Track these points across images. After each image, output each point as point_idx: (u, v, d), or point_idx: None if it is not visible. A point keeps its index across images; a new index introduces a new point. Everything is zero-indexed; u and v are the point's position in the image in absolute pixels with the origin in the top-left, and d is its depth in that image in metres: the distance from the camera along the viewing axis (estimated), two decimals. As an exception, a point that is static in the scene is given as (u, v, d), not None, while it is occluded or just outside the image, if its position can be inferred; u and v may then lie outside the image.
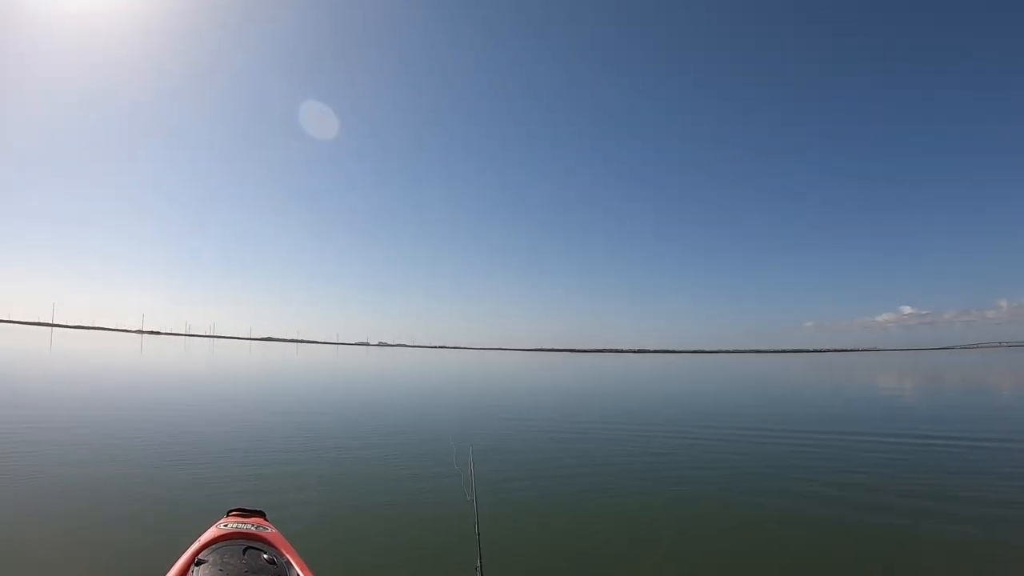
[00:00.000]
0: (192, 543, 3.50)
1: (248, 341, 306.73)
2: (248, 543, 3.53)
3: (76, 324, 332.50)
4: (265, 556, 3.42)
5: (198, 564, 3.25)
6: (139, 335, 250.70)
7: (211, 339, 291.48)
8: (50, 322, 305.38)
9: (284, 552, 3.53)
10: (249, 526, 3.75)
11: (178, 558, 3.33)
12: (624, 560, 6.23)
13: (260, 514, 4.05)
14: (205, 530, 3.67)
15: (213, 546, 3.47)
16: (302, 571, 3.40)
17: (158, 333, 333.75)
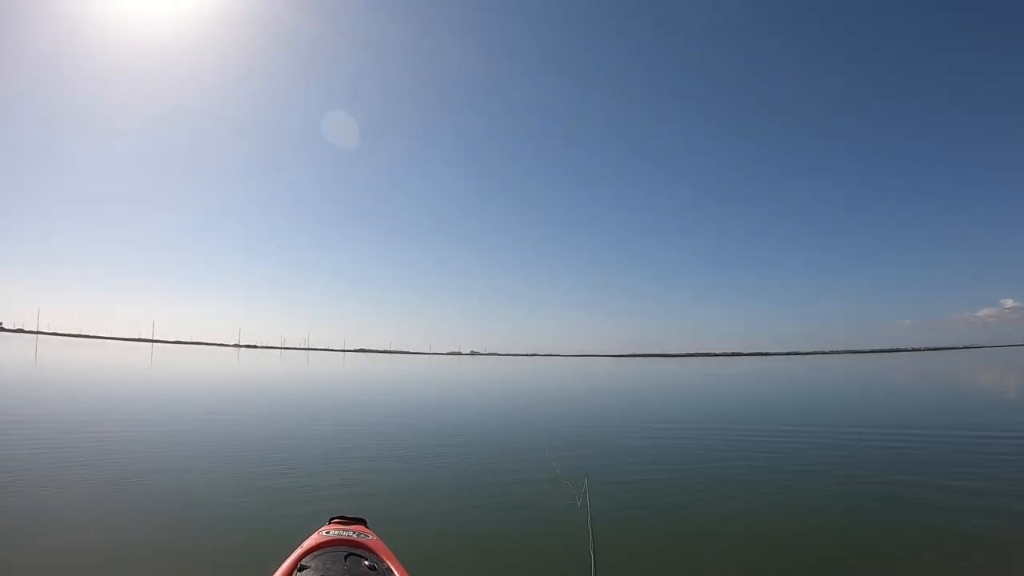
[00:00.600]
0: (295, 550, 3.56)
1: (342, 352, 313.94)
2: (349, 550, 3.57)
3: (175, 339, 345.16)
4: (366, 562, 3.45)
5: (301, 570, 3.31)
6: (236, 348, 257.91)
7: (305, 351, 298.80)
8: (150, 338, 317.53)
9: (385, 559, 3.56)
10: (350, 533, 3.79)
11: (281, 564, 3.40)
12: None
13: (361, 521, 4.03)
14: (307, 537, 3.74)
15: (315, 552, 3.52)
16: None
17: (254, 346, 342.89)
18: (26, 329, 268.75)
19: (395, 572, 3.41)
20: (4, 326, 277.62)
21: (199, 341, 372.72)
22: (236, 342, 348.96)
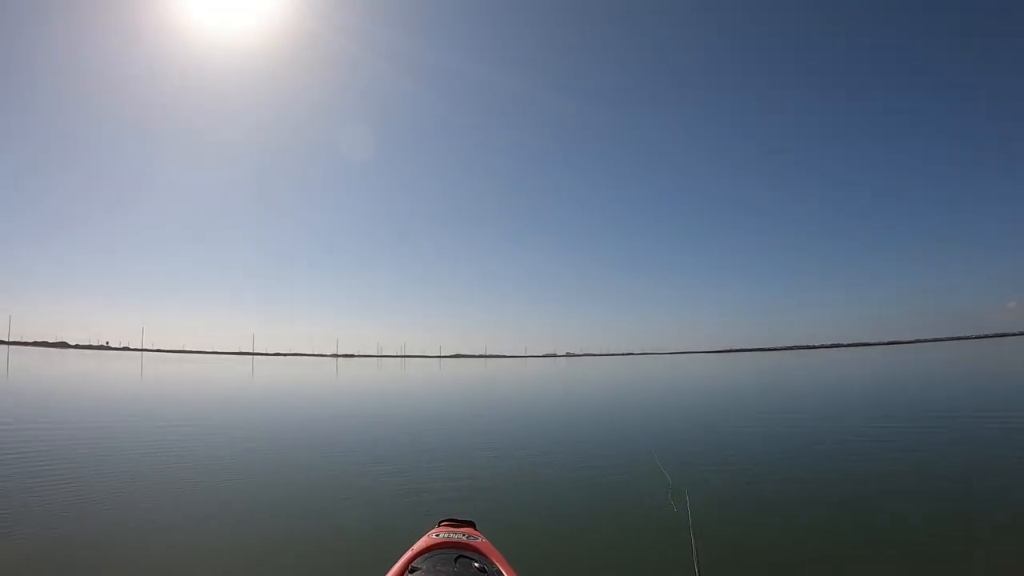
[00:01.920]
0: (406, 551, 3.67)
1: (438, 359, 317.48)
2: (459, 552, 3.64)
3: (275, 352, 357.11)
4: (476, 564, 3.50)
5: (412, 572, 3.40)
6: (334, 359, 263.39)
7: (402, 359, 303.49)
8: (251, 351, 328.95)
9: (494, 560, 3.61)
10: (460, 535, 3.86)
11: (393, 565, 3.52)
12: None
13: (470, 524, 4.12)
14: (418, 539, 3.84)
15: (426, 554, 3.61)
16: None
17: (352, 356, 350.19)
18: (131, 347, 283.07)
19: (504, 574, 3.44)
20: (110, 344, 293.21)
21: (298, 352, 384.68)
22: (335, 352, 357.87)
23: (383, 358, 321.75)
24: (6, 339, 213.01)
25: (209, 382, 45.33)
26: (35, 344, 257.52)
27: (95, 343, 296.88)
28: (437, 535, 3.74)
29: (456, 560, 3.40)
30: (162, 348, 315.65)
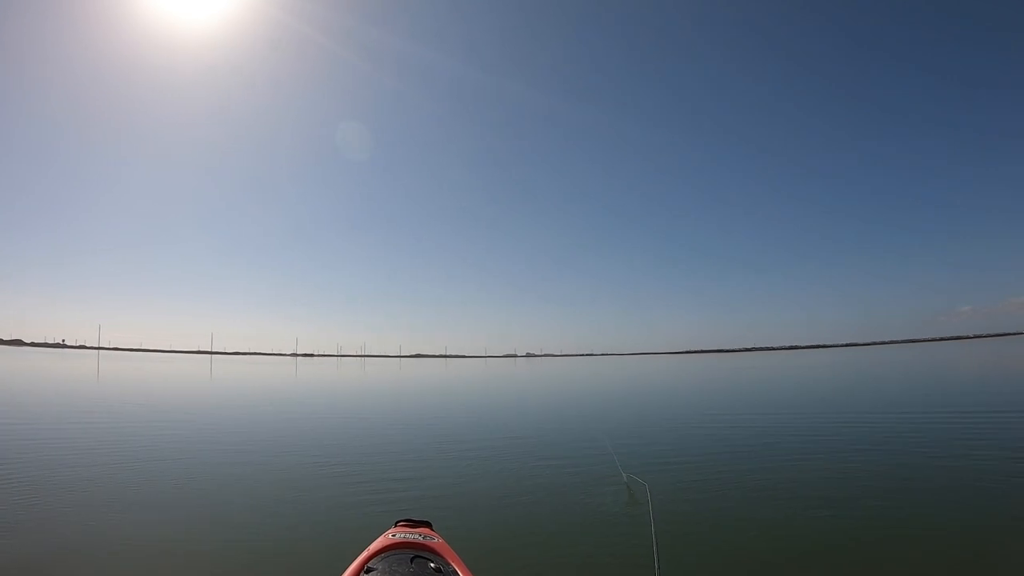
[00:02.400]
0: (362, 552, 3.55)
1: (398, 359, 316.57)
2: (416, 552, 3.55)
3: (234, 350, 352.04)
4: (432, 565, 3.42)
5: (367, 572, 3.31)
6: (293, 358, 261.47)
7: (362, 358, 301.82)
8: (210, 349, 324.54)
9: (450, 561, 3.52)
10: (416, 536, 3.75)
11: (348, 566, 3.40)
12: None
13: (427, 524, 3.96)
14: (374, 540, 3.71)
15: (382, 555, 3.50)
16: None
17: (311, 355, 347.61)
18: (88, 345, 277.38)
19: (460, 574, 3.37)
20: (67, 343, 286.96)
21: (258, 352, 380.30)
22: (294, 351, 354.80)
23: (343, 358, 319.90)
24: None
25: (165, 381, 44.83)
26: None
27: (51, 341, 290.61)
28: (393, 535, 3.69)
29: (412, 560, 3.37)
30: (119, 346, 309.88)
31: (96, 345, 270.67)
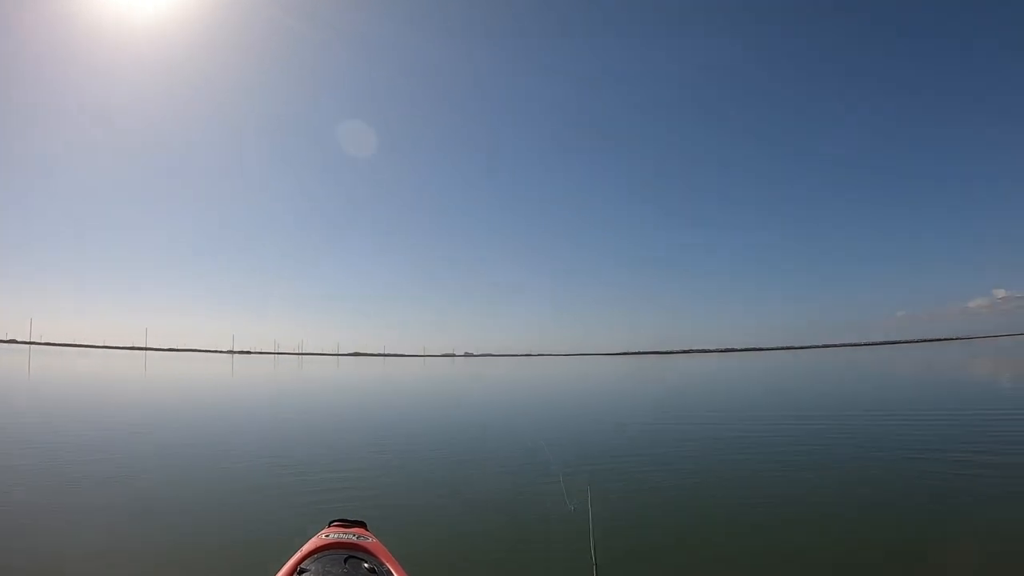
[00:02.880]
0: (295, 553, 3.54)
1: (335, 357, 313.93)
2: (349, 553, 3.54)
3: (168, 347, 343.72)
4: (366, 565, 3.42)
5: (301, 573, 3.31)
6: (230, 355, 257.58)
7: (299, 356, 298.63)
8: (143, 346, 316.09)
9: (384, 561, 3.53)
10: (350, 536, 3.74)
11: (281, 567, 3.39)
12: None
13: (361, 524, 3.96)
14: (307, 540, 3.69)
15: (315, 556, 3.49)
16: None
17: (248, 352, 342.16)
18: (19, 340, 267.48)
19: (395, 574, 3.41)
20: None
21: (193, 348, 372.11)
22: (230, 348, 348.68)
23: (280, 355, 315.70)
24: None
25: (99, 378, 44.29)
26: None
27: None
28: (327, 536, 3.68)
29: (346, 561, 3.37)
30: (52, 341, 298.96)
31: (27, 340, 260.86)
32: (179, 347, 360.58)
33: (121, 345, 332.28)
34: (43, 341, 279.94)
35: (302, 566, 3.30)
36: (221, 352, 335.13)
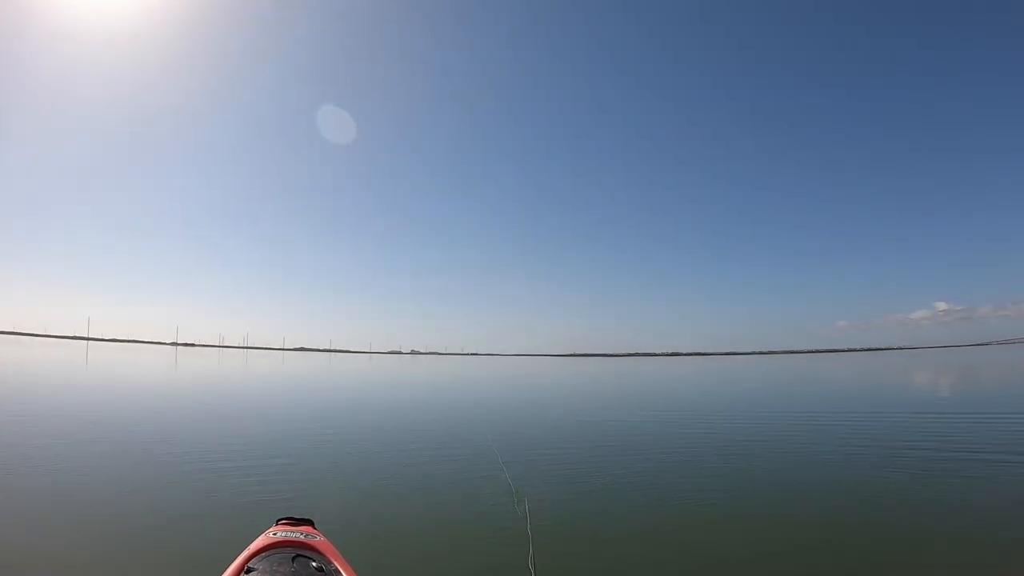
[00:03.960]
0: (242, 552, 3.54)
1: (281, 352, 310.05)
2: (297, 551, 3.56)
3: (111, 337, 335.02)
4: (314, 564, 3.45)
5: (248, 572, 3.29)
6: (173, 347, 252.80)
7: (245, 350, 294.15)
8: (86, 335, 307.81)
9: (332, 560, 3.56)
10: (298, 534, 3.77)
11: (228, 567, 3.37)
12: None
13: (308, 522, 4.03)
14: (254, 539, 3.72)
15: (263, 554, 3.50)
16: None
17: (192, 345, 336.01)
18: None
19: (343, 573, 3.43)
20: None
21: (135, 339, 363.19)
22: (173, 340, 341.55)
23: (225, 349, 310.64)
24: None
25: (37, 368, 43.42)
26: None
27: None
28: (274, 534, 3.69)
29: (294, 560, 3.36)
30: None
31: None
32: (121, 338, 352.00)
33: (62, 334, 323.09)
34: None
35: (249, 565, 3.35)
36: (164, 344, 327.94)
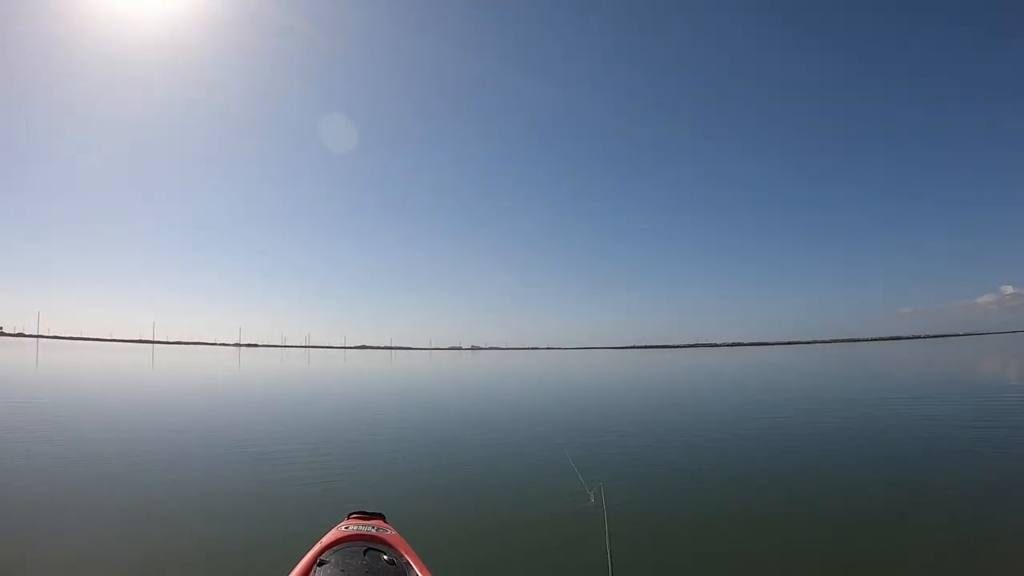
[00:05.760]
0: (314, 544, 3.62)
1: (343, 350, 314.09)
2: (368, 544, 3.62)
3: (176, 340, 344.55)
4: (385, 557, 3.50)
5: (320, 565, 3.36)
6: (237, 348, 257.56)
7: (306, 349, 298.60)
8: (151, 339, 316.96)
9: (404, 553, 3.60)
10: (369, 528, 3.85)
11: (301, 559, 3.46)
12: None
13: (380, 516, 4.11)
14: (327, 532, 3.80)
15: (335, 547, 3.58)
16: (421, 572, 3.48)
17: (255, 345, 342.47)
18: (27, 333, 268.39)
19: (414, 566, 3.41)
20: (4, 330, 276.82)
21: (200, 341, 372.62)
22: (237, 341, 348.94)
23: (287, 348, 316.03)
24: None
25: (107, 370, 44.13)
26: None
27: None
28: (346, 528, 3.74)
29: (365, 553, 3.40)
30: (58, 335, 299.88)
31: (35, 333, 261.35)
32: (186, 340, 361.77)
33: (128, 338, 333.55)
34: (51, 335, 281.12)
35: (322, 558, 3.39)
36: (228, 345, 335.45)
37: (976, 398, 20.57)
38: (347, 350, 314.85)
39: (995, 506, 7.79)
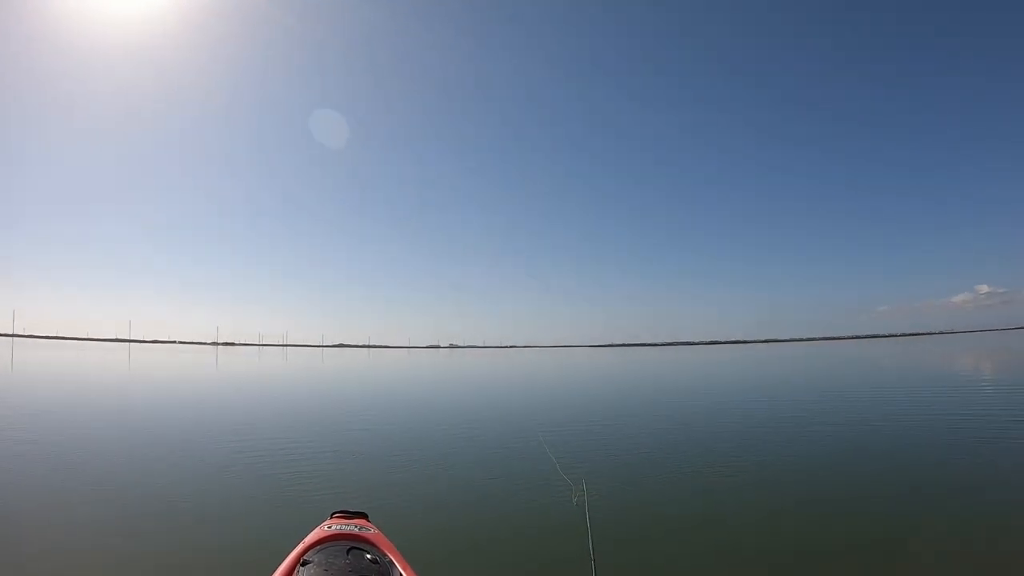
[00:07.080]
0: (297, 544, 3.61)
1: (321, 348, 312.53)
2: (352, 544, 3.62)
3: (153, 339, 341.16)
4: (368, 556, 3.49)
5: (303, 564, 3.36)
6: (214, 347, 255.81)
7: (284, 347, 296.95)
8: (127, 338, 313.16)
9: (387, 552, 3.60)
10: (352, 527, 3.85)
11: (284, 559, 3.45)
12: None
13: (363, 515, 4.10)
14: (310, 532, 3.79)
15: (318, 547, 3.57)
16: (404, 571, 3.47)
17: (232, 344, 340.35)
18: (1, 332, 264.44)
19: (397, 565, 3.45)
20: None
21: (177, 340, 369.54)
22: (214, 340, 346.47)
23: (264, 347, 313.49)
24: None
25: (84, 370, 43.71)
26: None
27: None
28: (329, 527, 3.76)
29: (348, 552, 3.43)
30: (35, 334, 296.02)
31: (10, 332, 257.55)
32: (162, 339, 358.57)
33: (105, 337, 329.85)
34: (26, 333, 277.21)
35: (305, 557, 3.41)
36: (205, 344, 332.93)
37: (947, 392, 21.10)
38: (325, 348, 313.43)
39: (983, 491, 8.12)
